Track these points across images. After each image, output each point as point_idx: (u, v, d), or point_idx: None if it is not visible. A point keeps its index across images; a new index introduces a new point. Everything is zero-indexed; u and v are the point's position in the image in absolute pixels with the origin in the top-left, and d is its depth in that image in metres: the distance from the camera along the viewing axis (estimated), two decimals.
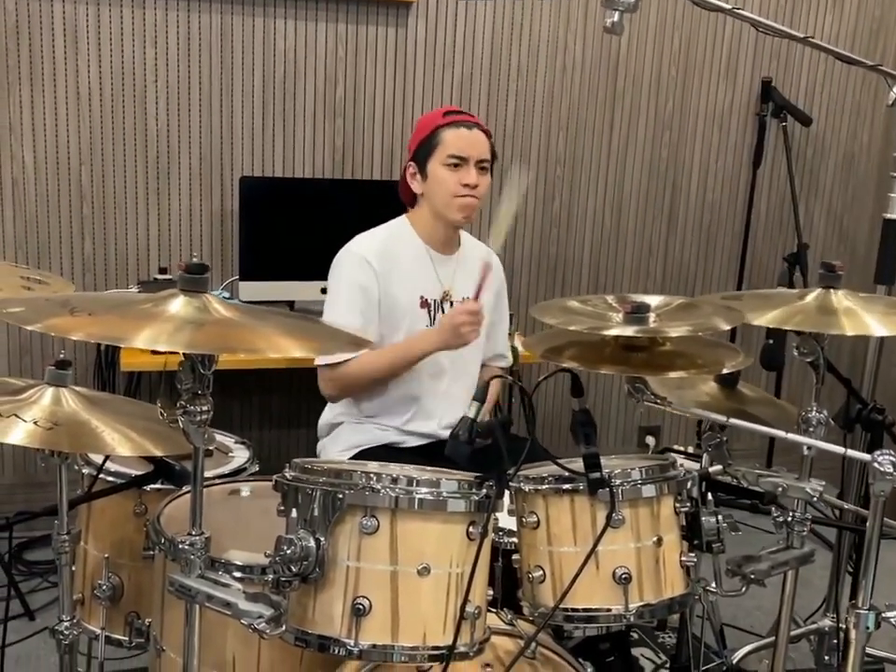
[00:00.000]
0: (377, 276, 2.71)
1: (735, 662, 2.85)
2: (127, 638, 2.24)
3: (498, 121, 4.01)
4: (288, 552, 1.53)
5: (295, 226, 3.57)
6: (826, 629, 2.95)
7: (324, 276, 2.82)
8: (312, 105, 3.77)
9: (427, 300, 2.78)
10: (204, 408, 1.49)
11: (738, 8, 2.17)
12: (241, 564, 1.82)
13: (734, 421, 1.79)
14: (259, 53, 3.66)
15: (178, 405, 1.48)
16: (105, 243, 3.62)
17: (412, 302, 2.76)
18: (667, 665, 2.94)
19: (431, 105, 3.87)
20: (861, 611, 1.71)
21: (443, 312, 2.79)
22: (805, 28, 4.30)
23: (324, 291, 2.83)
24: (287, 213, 3.58)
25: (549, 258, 4.19)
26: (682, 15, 4.13)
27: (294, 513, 1.59)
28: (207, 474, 2.31)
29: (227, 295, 3.66)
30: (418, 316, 2.77)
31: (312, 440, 2.98)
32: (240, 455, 2.51)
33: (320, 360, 2.69)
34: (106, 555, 2.20)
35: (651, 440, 4.38)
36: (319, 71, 3.76)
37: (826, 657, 2.95)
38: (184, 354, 1.47)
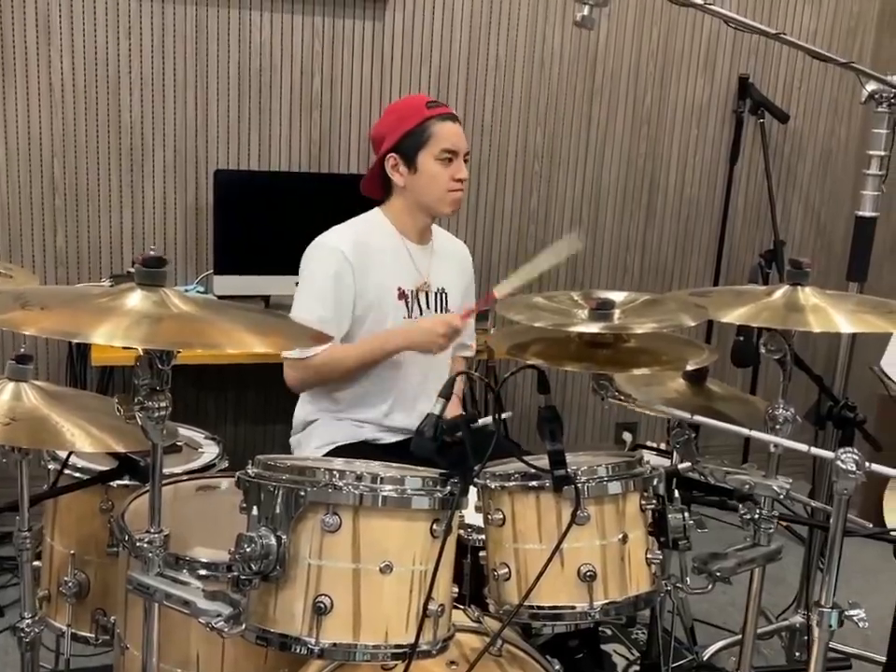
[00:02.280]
0: (353, 268, 2.68)
1: (706, 658, 2.86)
2: (93, 635, 2.22)
3: (476, 115, 3.99)
4: (249, 549, 1.52)
5: (270, 220, 3.55)
6: (797, 626, 2.96)
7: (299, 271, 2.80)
8: (288, 99, 3.75)
9: (404, 290, 2.76)
10: (162, 404, 1.48)
11: (710, 3, 2.16)
12: (205, 561, 1.80)
13: (698, 418, 1.78)
14: (234, 45, 3.64)
15: (136, 401, 1.46)
16: (78, 236, 3.59)
17: (389, 294, 2.74)
18: (639, 662, 2.94)
19: None
20: (825, 609, 1.70)
21: (419, 302, 2.78)
22: (784, 25, 4.29)
23: None
24: (262, 207, 3.56)
25: (526, 253, 4.16)
26: (661, 10, 4.12)
27: (255, 511, 1.58)
28: (175, 470, 2.31)
29: (201, 289, 3.64)
30: (396, 308, 2.75)
31: (287, 436, 2.96)
32: (209, 451, 2.49)
33: (286, 353, 2.67)
34: (72, 552, 2.19)
35: (627, 436, 4.37)
36: (296, 64, 3.74)
37: (797, 653, 2.96)
38: (142, 349, 1.45)
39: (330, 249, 2.70)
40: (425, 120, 2.69)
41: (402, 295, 2.75)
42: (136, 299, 1.49)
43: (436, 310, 2.82)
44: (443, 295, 2.84)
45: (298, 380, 2.72)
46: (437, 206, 2.75)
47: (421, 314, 2.78)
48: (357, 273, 2.68)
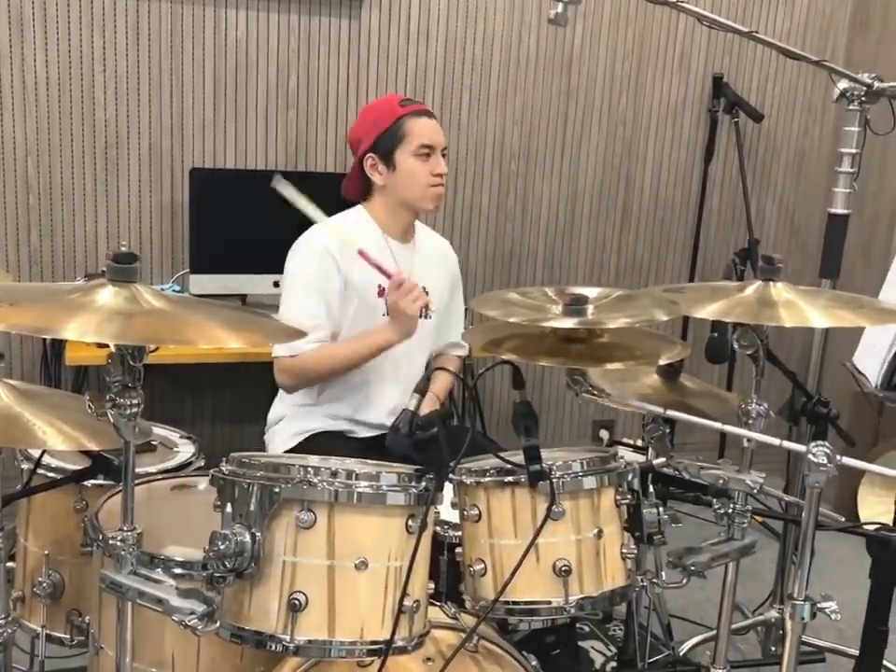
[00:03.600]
0: (338, 266, 2.68)
1: (681, 653, 2.87)
2: (68, 636, 2.22)
3: (453, 115, 3.99)
4: (223, 547, 1.52)
5: (246, 218, 3.53)
6: (772, 620, 2.98)
7: (276, 269, 2.79)
8: (264, 97, 3.74)
9: (384, 288, 2.73)
10: (135, 401, 1.47)
11: (683, 2, 2.17)
12: (180, 560, 1.80)
13: (671, 413, 1.79)
14: (209, 43, 3.62)
15: (108, 398, 1.46)
16: (52, 234, 3.56)
17: (369, 292, 2.73)
18: (616, 658, 2.95)
19: None
20: (797, 602, 1.72)
21: None
22: (757, 24, 4.32)
23: (276, 285, 2.79)
24: (238, 205, 3.54)
25: (504, 252, 4.18)
26: (636, 9, 4.14)
27: (229, 508, 1.58)
28: (150, 469, 2.30)
29: (177, 288, 3.63)
30: (375, 306, 2.74)
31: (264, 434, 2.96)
32: (185, 450, 2.48)
33: (276, 351, 2.67)
34: (46, 552, 2.18)
35: (604, 433, 4.39)
36: (272, 62, 3.72)
37: (773, 648, 2.98)
38: (113, 345, 1.45)
39: (315, 247, 2.70)
40: (399, 118, 2.71)
41: (382, 293, 2.74)
42: (108, 295, 1.48)
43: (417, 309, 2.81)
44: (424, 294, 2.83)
45: (289, 380, 2.72)
46: (418, 203, 2.76)
47: None
48: (343, 270, 2.69)
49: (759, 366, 1.93)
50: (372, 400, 2.77)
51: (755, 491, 1.88)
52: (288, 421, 2.82)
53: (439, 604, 1.87)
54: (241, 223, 3.51)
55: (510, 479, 1.74)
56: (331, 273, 2.68)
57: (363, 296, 2.72)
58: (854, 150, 2.57)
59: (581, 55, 4.12)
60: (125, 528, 1.55)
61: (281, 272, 2.78)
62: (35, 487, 2.13)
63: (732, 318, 1.89)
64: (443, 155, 2.76)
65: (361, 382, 2.75)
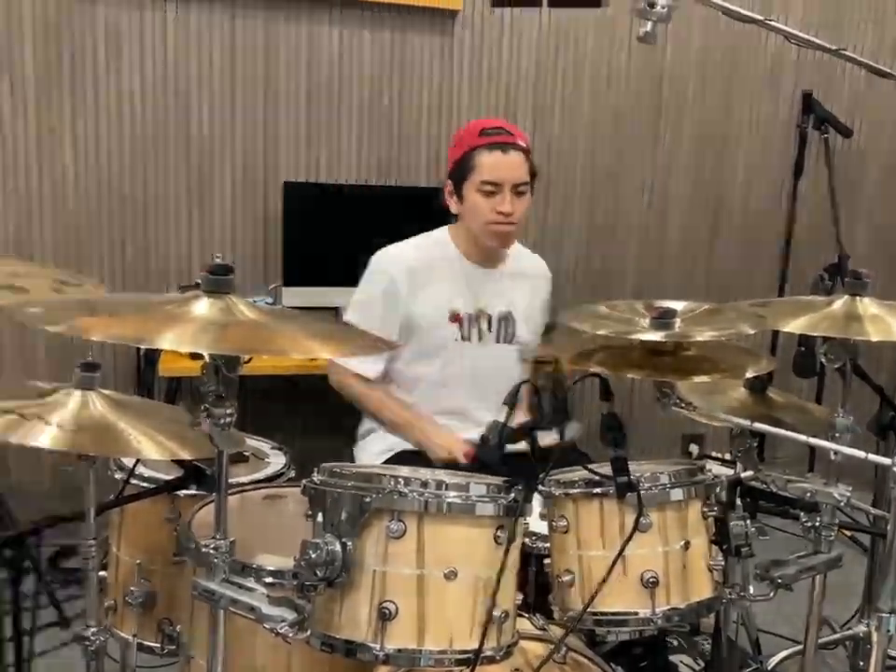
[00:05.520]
0: (403, 290, 2.70)
1: (770, 668, 2.83)
2: (159, 645, 2.22)
3: (545, 131, 4.02)
4: (314, 556, 1.53)
5: (339, 231, 3.58)
6: (861, 635, 2.92)
7: None
8: (357, 112, 3.80)
9: (458, 314, 2.75)
10: (228, 411, 1.49)
11: (770, 20, 2.14)
12: (272, 569, 1.81)
13: (758, 425, 1.78)
14: (303, 60, 3.69)
15: (202, 408, 1.48)
16: (147, 248, 3.65)
17: (440, 316, 2.74)
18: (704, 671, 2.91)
19: (477, 113, 3.88)
20: (883, 614, 1.69)
21: (479, 327, 2.77)
22: (849, 42, 4.26)
23: None
24: (331, 218, 3.60)
25: (594, 269, 4.19)
26: (725, 27, 4.12)
27: (320, 517, 1.59)
28: (242, 479, 2.32)
29: (270, 300, 3.67)
30: (448, 331, 2.74)
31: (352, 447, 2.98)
32: (276, 461, 2.51)
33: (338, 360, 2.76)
34: (139, 561, 2.19)
35: (694, 447, 4.33)
36: (365, 78, 3.78)
37: (861, 663, 2.91)
38: (208, 355, 1.48)
39: (382, 271, 2.74)
40: (471, 150, 2.66)
41: (456, 318, 2.75)
42: (203, 306, 1.50)
43: (498, 335, 2.80)
44: (508, 320, 2.81)
45: (336, 385, 2.85)
46: (481, 238, 2.73)
47: (480, 338, 2.77)
48: (408, 295, 2.71)
49: (846, 380, 1.91)
50: (463, 423, 2.75)
51: (842, 504, 1.86)
52: (374, 437, 2.85)
53: (527, 615, 1.88)
54: (333, 236, 3.56)
55: (598, 490, 1.74)
56: (393, 294, 2.71)
57: (429, 319, 2.73)
58: None
59: (672, 72, 4.12)
60: (218, 537, 1.57)
61: None
62: (129, 497, 2.15)
63: (818, 332, 1.87)
64: (519, 192, 2.67)
65: (451, 407, 2.77)
